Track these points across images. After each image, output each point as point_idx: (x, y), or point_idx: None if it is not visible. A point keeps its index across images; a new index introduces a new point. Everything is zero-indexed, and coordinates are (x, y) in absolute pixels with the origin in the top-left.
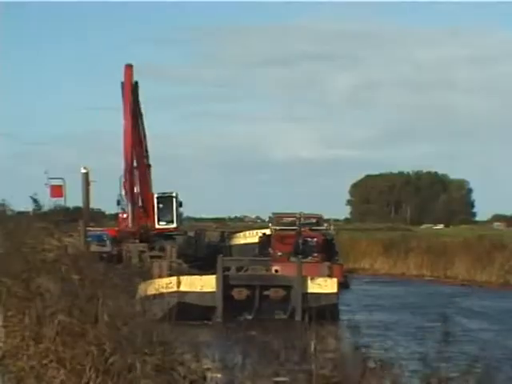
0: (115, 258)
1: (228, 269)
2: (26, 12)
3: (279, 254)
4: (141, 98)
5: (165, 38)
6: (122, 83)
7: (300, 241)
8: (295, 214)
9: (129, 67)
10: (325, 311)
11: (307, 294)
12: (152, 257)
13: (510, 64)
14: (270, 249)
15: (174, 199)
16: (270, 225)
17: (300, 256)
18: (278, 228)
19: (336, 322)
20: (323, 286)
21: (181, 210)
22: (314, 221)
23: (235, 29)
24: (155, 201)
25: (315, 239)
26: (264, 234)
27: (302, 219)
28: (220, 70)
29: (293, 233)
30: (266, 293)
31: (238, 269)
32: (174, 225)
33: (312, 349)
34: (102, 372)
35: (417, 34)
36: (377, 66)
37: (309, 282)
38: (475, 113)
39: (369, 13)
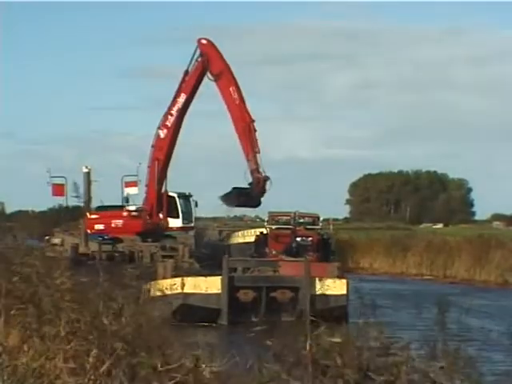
0: (127, 258)
1: (234, 270)
2: (26, 12)
3: (274, 252)
4: (141, 97)
5: (164, 38)
6: (200, 56)
7: (294, 240)
8: (290, 212)
9: (206, 38)
10: (334, 313)
11: (315, 295)
12: (164, 256)
13: (509, 64)
14: (266, 248)
15: (191, 199)
16: (266, 224)
17: (307, 256)
18: (274, 227)
19: (345, 324)
20: (332, 287)
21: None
22: (310, 220)
23: (234, 28)
24: (177, 200)
25: (310, 238)
26: (261, 232)
27: (296, 218)
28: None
29: (288, 232)
30: (272, 294)
31: (244, 270)
32: (192, 224)
33: (307, 348)
34: (103, 372)
35: (416, 33)
36: (376, 66)
37: (317, 283)
38: (475, 112)
39: (368, 12)
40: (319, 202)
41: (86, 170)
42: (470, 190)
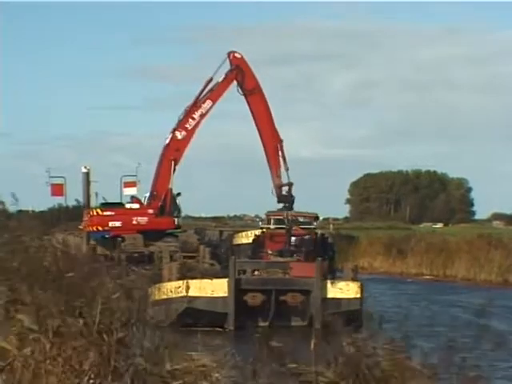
0: (147, 259)
1: (243, 272)
2: (25, 12)
3: (270, 252)
4: (141, 97)
5: (165, 38)
6: (234, 68)
7: (290, 239)
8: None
9: (238, 52)
10: (346, 318)
11: (327, 299)
12: (185, 257)
13: (509, 63)
14: (263, 248)
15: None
16: (261, 223)
17: (310, 256)
18: (272, 227)
19: (359, 329)
20: (345, 290)
21: None
22: (306, 219)
23: (234, 28)
24: (178, 199)
25: (300, 237)
26: (262, 232)
27: (289, 218)
28: (219, 69)
29: (284, 231)
30: (282, 298)
31: (253, 272)
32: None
33: (312, 348)
34: (101, 375)
35: (416, 33)
36: (376, 66)
37: (329, 286)
38: (474, 112)
39: (368, 12)
40: (319, 202)
41: (84, 171)
42: (469, 189)
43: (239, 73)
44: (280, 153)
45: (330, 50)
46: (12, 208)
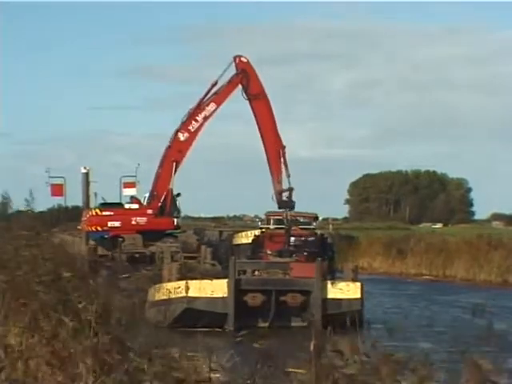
0: (148, 259)
1: (243, 272)
2: (25, 12)
3: (269, 252)
4: (141, 97)
5: (165, 38)
6: (239, 72)
7: (289, 240)
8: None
9: (244, 57)
10: (347, 318)
11: (327, 299)
12: (186, 257)
13: (509, 63)
14: (263, 248)
15: None
16: (260, 224)
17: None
18: (272, 227)
19: (359, 330)
20: (345, 290)
21: None
22: (306, 219)
23: (234, 28)
24: (177, 199)
25: (304, 238)
26: (262, 232)
27: (289, 217)
28: (219, 69)
29: (283, 232)
30: (282, 298)
31: (253, 272)
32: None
33: (312, 348)
34: (100, 374)
35: (416, 33)
36: (376, 66)
37: (329, 286)
38: (474, 112)
39: (368, 12)
40: (319, 202)
41: (84, 171)
42: (469, 189)
43: (244, 77)
44: (282, 159)
45: (330, 49)
46: (22, 207)
